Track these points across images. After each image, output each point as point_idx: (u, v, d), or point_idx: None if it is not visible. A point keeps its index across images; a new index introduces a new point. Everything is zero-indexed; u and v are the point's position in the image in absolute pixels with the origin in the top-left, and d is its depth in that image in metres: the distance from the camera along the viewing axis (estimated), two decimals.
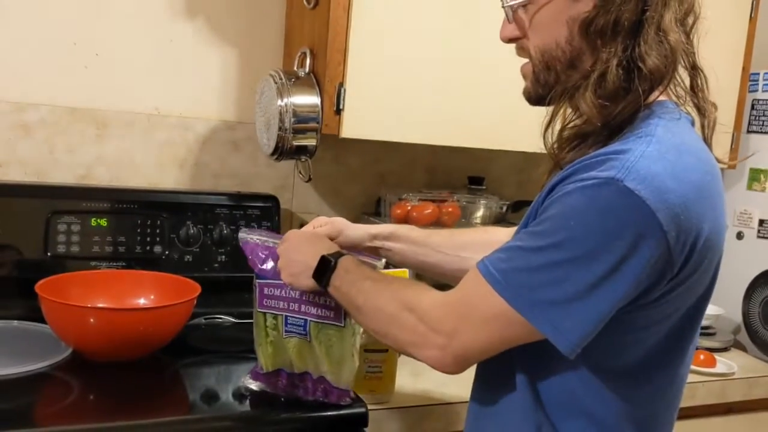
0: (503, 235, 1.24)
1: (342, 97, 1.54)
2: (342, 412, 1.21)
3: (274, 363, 1.22)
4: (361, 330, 1.19)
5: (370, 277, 1.03)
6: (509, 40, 0.97)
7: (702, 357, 1.76)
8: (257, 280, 1.20)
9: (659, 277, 0.82)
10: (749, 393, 1.77)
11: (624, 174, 0.79)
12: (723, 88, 1.98)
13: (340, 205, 1.95)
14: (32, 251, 1.52)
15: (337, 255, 1.07)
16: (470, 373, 1.00)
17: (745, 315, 1.96)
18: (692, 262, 0.84)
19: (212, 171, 1.82)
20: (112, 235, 1.58)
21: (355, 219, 1.58)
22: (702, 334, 1.93)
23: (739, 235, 2.09)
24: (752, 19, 1.99)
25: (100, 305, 1.39)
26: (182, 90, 1.78)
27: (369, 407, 1.24)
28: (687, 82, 0.93)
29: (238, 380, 1.27)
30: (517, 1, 0.93)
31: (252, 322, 1.24)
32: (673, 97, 0.92)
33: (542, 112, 0.97)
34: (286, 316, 1.18)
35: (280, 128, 1.57)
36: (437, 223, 1.78)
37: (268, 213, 1.72)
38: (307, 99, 1.57)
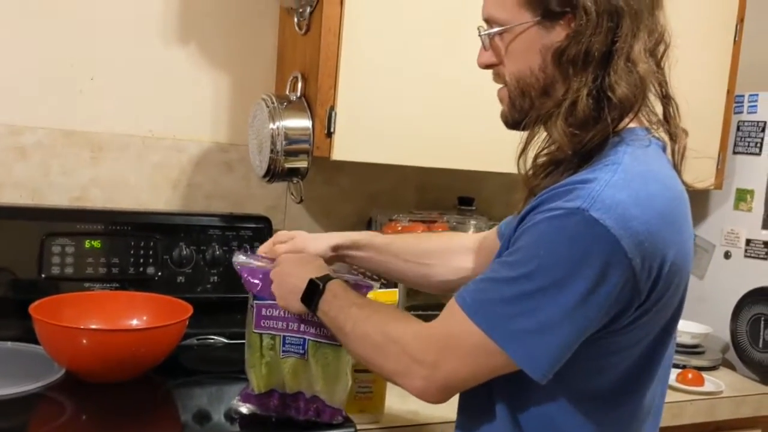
0: (467, 241, 1.27)
1: (333, 121, 1.57)
2: None
3: (267, 384, 1.22)
4: None
5: (356, 303, 1.05)
6: (486, 66, 1.00)
7: (690, 376, 1.78)
8: (255, 302, 1.20)
9: (627, 304, 0.85)
10: (737, 411, 1.78)
11: (589, 203, 0.82)
12: (708, 110, 2.02)
13: (331, 226, 1.97)
14: (27, 273, 1.53)
15: (326, 279, 1.08)
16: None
17: (733, 334, 1.98)
18: (660, 287, 0.86)
19: (205, 192, 1.84)
20: (106, 257, 1.60)
21: None
22: (691, 353, 1.95)
23: (727, 255, 2.12)
24: (736, 42, 2.03)
25: (93, 326, 1.40)
26: (176, 113, 1.80)
27: (359, 427, 1.25)
28: (660, 109, 0.96)
29: (230, 401, 1.27)
30: (493, 30, 0.96)
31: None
32: (645, 123, 0.95)
33: None
34: (284, 336, 1.19)
35: (272, 151, 1.60)
36: None
37: (261, 234, 1.73)
38: (299, 122, 1.60)
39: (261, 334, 1.21)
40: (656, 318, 0.90)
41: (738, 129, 2.11)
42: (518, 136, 1.00)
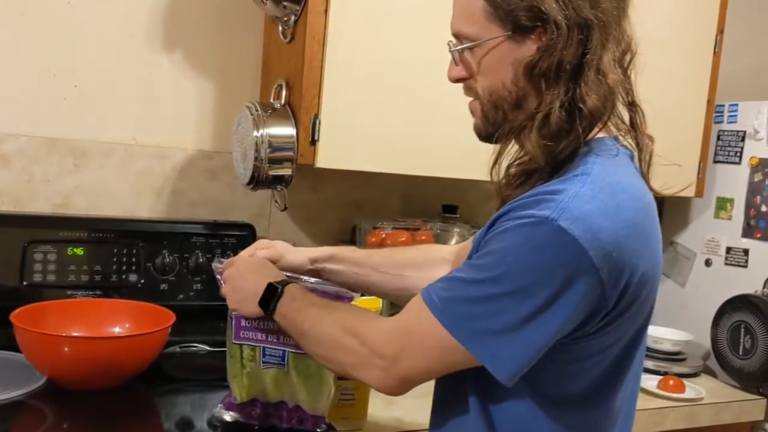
0: (444, 252, 1.27)
1: (317, 129, 1.58)
2: None
3: (249, 394, 1.22)
4: None
5: (315, 303, 1.05)
6: (456, 81, 1.01)
7: (671, 383, 1.80)
8: (234, 312, 1.19)
9: (594, 312, 0.86)
10: (717, 418, 1.80)
11: (558, 213, 0.83)
12: (689, 119, 2.04)
13: (316, 234, 1.97)
14: (8, 280, 1.52)
15: (284, 282, 1.09)
16: None
17: (714, 341, 2.00)
18: (628, 296, 0.88)
19: (189, 199, 1.84)
20: (89, 264, 1.59)
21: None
22: (672, 360, 1.97)
23: (707, 263, 2.14)
24: (716, 53, 2.06)
25: (75, 334, 1.39)
26: (160, 120, 1.80)
27: None
28: (626, 116, 0.97)
29: (213, 408, 1.27)
30: (463, 45, 0.97)
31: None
32: (614, 131, 0.96)
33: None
34: (264, 347, 1.19)
35: (256, 158, 1.60)
36: None
37: (245, 241, 1.73)
38: (283, 130, 1.61)
39: (241, 345, 1.20)
40: (626, 325, 0.91)
41: (718, 138, 2.14)
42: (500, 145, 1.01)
